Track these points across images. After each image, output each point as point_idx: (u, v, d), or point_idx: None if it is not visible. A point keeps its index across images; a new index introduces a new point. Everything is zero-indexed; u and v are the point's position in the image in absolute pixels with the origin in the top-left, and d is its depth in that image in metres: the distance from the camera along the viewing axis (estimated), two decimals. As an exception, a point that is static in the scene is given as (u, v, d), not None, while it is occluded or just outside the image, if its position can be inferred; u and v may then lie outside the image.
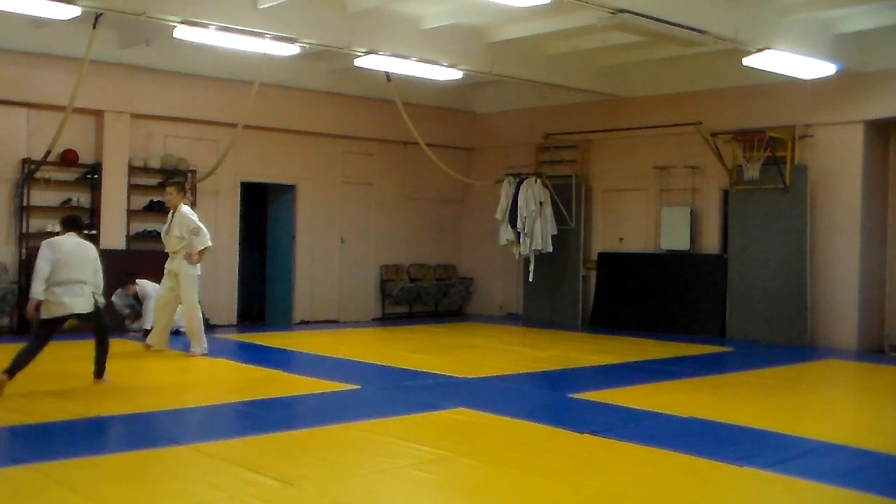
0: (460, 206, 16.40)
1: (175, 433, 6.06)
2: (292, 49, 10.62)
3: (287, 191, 14.24)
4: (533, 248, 13.89)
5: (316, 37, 10.50)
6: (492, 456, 5.63)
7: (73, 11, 9.21)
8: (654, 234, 13.87)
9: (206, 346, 9.98)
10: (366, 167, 15.01)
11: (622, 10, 8.59)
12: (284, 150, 13.97)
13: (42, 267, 7.39)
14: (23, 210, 11.52)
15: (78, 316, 7.71)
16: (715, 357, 10.97)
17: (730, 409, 7.34)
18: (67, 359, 9.65)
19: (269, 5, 9.72)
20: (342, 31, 10.57)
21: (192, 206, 12.72)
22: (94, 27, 9.84)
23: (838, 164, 12.00)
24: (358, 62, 11.35)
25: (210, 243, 10.04)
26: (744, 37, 9.76)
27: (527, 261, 14.21)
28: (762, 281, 12.42)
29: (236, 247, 13.54)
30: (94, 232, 12.02)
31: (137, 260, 12.23)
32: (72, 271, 7.54)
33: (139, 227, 12.49)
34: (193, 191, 12.74)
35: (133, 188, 12.35)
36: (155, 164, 12.52)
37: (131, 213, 12.34)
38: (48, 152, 11.13)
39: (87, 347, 10.42)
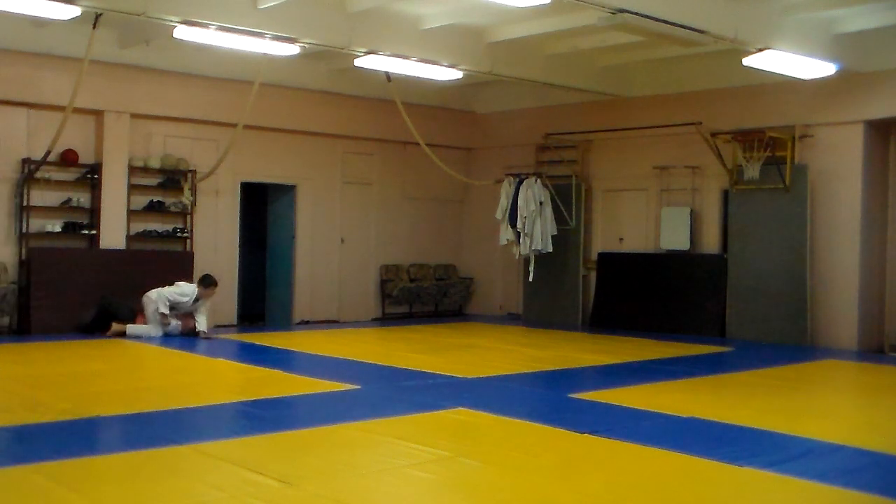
0: (460, 206, 16.40)
1: (175, 433, 6.05)
2: (292, 49, 10.61)
3: (287, 191, 14.24)
4: (533, 248, 13.88)
5: (316, 37, 10.49)
6: (492, 456, 5.62)
7: (73, 11, 9.21)
8: (654, 234, 13.86)
9: None
10: (366, 167, 15.01)
11: (622, 10, 8.58)
12: (284, 150, 13.97)
13: None
14: (23, 210, 11.51)
15: None
16: (715, 357, 10.96)
17: (730, 409, 7.33)
18: (69, 359, 9.67)
19: (269, 5, 9.72)
20: (342, 31, 10.57)
21: (193, 206, 12.79)
22: (94, 27, 9.84)
23: (838, 164, 11.99)
24: (358, 62, 11.34)
25: None
26: (744, 37, 9.76)
27: (527, 261, 14.20)
28: (762, 281, 12.41)
29: (236, 247, 13.54)
30: (93, 232, 12.04)
31: (137, 260, 12.25)
32: None
33: (139, 227, 12.48)
34: (193, 191, 12.75)
35: (133, 188, 12.34)
36: (155, 164, 12.52)
37: (131, 213, 12.33)
38: (48, 152, 11.13)
39: (87, 348, 10.45)
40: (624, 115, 13.98)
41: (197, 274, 12.67)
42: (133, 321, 11.40)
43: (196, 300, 11.57)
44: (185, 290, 11.49)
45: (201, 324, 11.61)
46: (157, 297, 11.34)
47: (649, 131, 13.69)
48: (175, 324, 11.52)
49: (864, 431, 6.82)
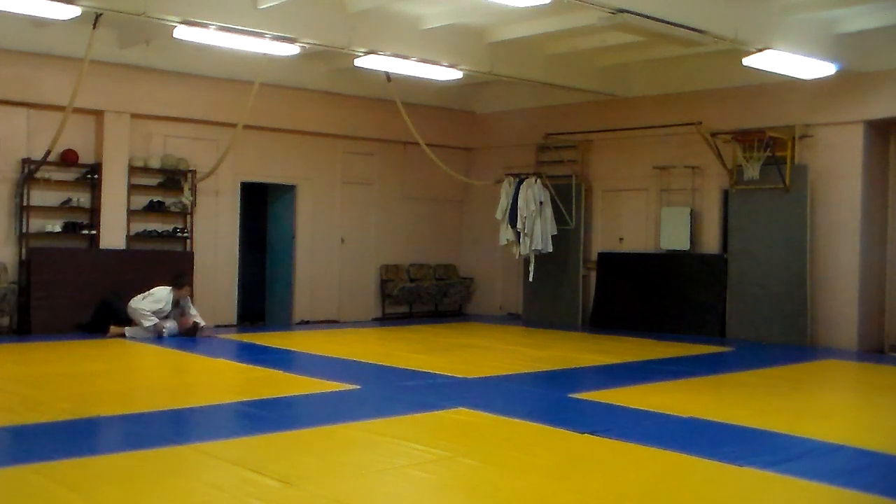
0: (460, 206, 16.40)
1: (175, 433, 6.06)
2: (292, 49, 10.61)
3: (287, 191, 14.23)
4: (533, 248, 13.88)
5: (316, 37, 10.49)
6: (492, 456, 5.62)
7: (73, 11, 9.21)
8: (654, 234, 13.86)
9: None
10: (366, 167, 15.01)
11: (622, 10, 8.59)
12: (284, 150, 13.97)
13: None
14: (23, 210, 11.51)
15: None
16: (715, 357, 10.97)
17: (730, 409, 7.33)
18: (69, 359, 9.67)
19: (269, 5, 9.72)
20: (342, 31, 10.57)
21: (193, 206, 12.79)
22: (94, 27, 9.84)
23: (838, 164, 11.99)
24: (358, 62, 11.34)
25: None
26: (744, 37, 9.76)
27: (527, 261, 14.20)
28: (762, 281, 12.41)
29: (236, 247, 13.54)
30: (93, 232, 12.04)
31: (137, 260, 12.25)
32: None
33: (139, 227, 12.48)
34: (193, 191, 12.75)
35: (133, 188, 12.34)
36: (155, 164, 12.52)
37: (131, 213, 12.33)
38: (48, 152, 11.13)
39: (87, 348, 10.46)
40: (624, 115, 13.98)
41: (197, 274, 12.70)
42: (131, 323, 11.38)
43: (176, 303, 11.54)
44: (158, 297, 11.42)
45: (198, 317, 11.64)
46: (137, 308, 11.31)
47: (649, 131, 13.69)
48: (171, 326, 11.50)
49: (864, 431, 6.82)
